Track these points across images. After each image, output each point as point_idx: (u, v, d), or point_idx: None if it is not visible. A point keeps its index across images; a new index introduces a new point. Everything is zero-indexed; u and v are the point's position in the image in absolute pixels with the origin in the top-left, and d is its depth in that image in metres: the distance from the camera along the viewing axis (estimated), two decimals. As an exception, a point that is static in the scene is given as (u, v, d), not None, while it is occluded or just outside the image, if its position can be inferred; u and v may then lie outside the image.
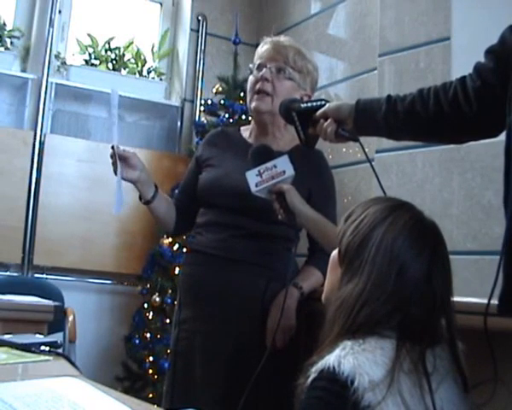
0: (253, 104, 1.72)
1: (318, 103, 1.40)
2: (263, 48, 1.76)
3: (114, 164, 1.64)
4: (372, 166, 1.32)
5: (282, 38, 1.77)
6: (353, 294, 1.00)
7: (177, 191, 1.92)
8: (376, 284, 0.99)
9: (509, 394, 1.08)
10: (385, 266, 1.00)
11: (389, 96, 1.27)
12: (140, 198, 1.74)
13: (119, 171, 1.62)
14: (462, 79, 1.19)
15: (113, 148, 1.62)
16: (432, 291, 1.00)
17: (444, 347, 1.01)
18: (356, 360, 0.92)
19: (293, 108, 1.45)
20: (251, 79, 1.75)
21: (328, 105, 1.37)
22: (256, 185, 1.51)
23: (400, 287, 0.99)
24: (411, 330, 0.98)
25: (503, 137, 1.14)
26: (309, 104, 1.43)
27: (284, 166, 1.51)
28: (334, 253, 1.11)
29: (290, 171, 1.51)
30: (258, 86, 1.71)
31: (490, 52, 1.15)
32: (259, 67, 1.73)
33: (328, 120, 1.35)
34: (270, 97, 1.69)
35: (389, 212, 1.04)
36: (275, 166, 1.51)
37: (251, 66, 1.78)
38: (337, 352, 0.95)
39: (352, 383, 0.90)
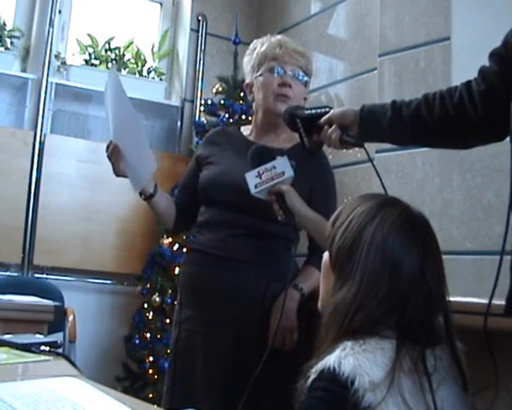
0: (275, 107, 1.71)
1: (322, 110, 1.39)
2: (275, 50, 1.74)
3: (116, 161, 1.66)
4: (375, 167, 1.31)
5: (286, 39, 1.80)
6: (347, 299, 0.99)
7: (176, 190, 1.93)
8: (370, 285, 0.98)
9: (511, 399, 1.07)
10: (377, 266, 0.99)
11: (394, 102, 1.26)
12: (140, 194, 1.74)
13: (132, 153, 1.65)
14: (468, 83, 1.18)
15: (110, 144, 1.66)
16: (426, 283, 1.00)
17: (444, 347, 1.01)
18: (356, 360, 0.92)
19: (298, 115, 1.44)
20: (269, 80, 1.73)
21: (332, 111, 1.37)
22: (255, 187, 1.51)
23: (395, 284, 0.98)
24: (410, 328, 0.97)
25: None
26: (313, 111, 1.43)
27: (283, 167, 1.51)
28: (326, 258, 1.10)
29: (289, 172, 1.51)
30: (282, 91, 1.71)
31: (493, 55, 1.14)
32: (274, 70, 1.73)
33: (333, 127, 1.34)
34: (290, 101, 1.71)
35: (377, 210, 1.04)
36: (274, 168, 1.51)
37: (262, 68, 1.76)
38: (337, 352, 0.94)
39: (353, 383, 0.90)
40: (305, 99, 1.81)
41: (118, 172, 1.70)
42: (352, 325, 0.97)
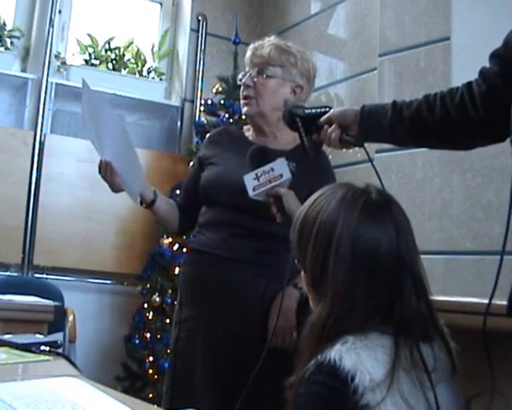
0: (243, 110, 1.78)
1: (322, 109, 1.39)
2: (246, 55, 1.81)
3: (110, 177, 1.65)
4: (374, 167, 1.31)
5: (266, 39, 1.78)
6: (321, 316, 0.98)
7: (180, 191, 1.93)
8: (344, 298, 0.96)
9: (506, 403, 1.07)
10: (349, 276, 0.97)
11: (395, 102, 1.26)
12: (141, 203, 1.75)
13: (119, 173, 1.63)
14: (468, 84, 1.18)
15: (102, 164, 1.64)
16: (405, 270, 0.98)
17: (441, 347, 1.00)
18: (358, 356, 0.90)
19: (297, 114, 1.44)
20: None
21: (332, 111, 1.36)
22: (254, 189, 1.52)
23: (374, 282, 0.97)
24: (402, 322, 0.95)
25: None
26: (313, 110, 1.42)
27: (281, 169, 1.51)
28: (303, 275, 1.09)
29: (287, 174, 1.51)
30: (243, 93, 1.76)
31: (494, 56, 1.14)
32: (245, 74, 1.78)
33: (333, 126, 1.34)
34: (254, 100, 1.73)
35: (337, 214, 1.01)
36: (272, 170, 1.51)
37: (241, 74, 1.82)
38: (338, 346, 0.92)
39: (353, 379, 0.88)
40: (295, 92, 1.75)
41: (116, 189, 1.69)
42: (328, 339, 0.95)
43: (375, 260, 0.98)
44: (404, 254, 0.99)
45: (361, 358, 0.90)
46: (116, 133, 1.63)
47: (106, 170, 1.65)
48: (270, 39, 1.78)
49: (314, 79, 1.83)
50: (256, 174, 1.52)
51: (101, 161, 1.66)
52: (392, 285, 0.98)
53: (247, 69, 1.78)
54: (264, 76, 1.72)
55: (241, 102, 1.77)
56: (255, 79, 1.73)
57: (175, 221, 1.85)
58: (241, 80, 1.79)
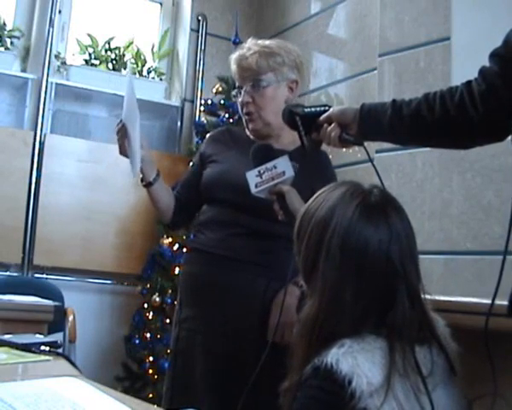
0: (249, 127, 1.77)
1: (322, 108, 1.39)
2: (232, 69, 1.79)
3: (122, 138, 1.66)
4: (375, 166, 1.31)
5: (245, 47, 1.76)
6: (310, 315, 0.98)
7: (178, 185, 1.92)
8: (332, 296, 0.96)
9: (506, 401, 1.07)
10: (338, 275, 0.96)
11: (394, 101, 1.26)
12: (142, 180, 1.75)
13: (133, 139, 1.65)
14: (468, 83, 1.18)
15: (121, 121, 1.66)
16: (396, 273, 0.96)
17: (439, 352, 0.99)
18: (355, 359, 0.90)
19: (297, 113, 1.44)
20: (239, 105, 1.79)
21: (332, 109, 1.36)
22: (256, 186, 1.51)
23: (364, 284, 0.96)
24: (397, 325, 0.94)
25: (504, 137, 1.14)
26: (312, 109, 1.42)
27: (284, 166, 1.51)
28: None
29: (290, 172, 1.51)
30: (244, 110, 1.75)
31: (494, 55, 1.14)
32: (239, 90, 1.77)
33: (332, 125, 1.34)
34: (256, 114, 1.73)
35: (332, 212, 1.01)
36: (275, 167, 1.51)
37: (234, 91, 1.81)
38: (334, 350, 0.91)
39: (350, 383, 0.87)
40: (291, 88, 1.75)
41: (123, 152, 1.70)
42: (320, 338, 0.95)
43: (364, 259, 0.97)
44: (395, 258, 0.97)
45: (358, 361, 0.90)
46: (135, 122, 1.66)
47: (120, 129, 1.66)
48: (250, 46, 1.75)
49: (303, 66, 1.81)
50: (259, 171, 1.51)
51: (121, 120, 1.68)
52: (384, 289, 0.97)
53: (237, 84, 1.77)
54: (260, 89, 1.71)
55: (244, 118, 1.76)
56: (252, 95, 1.72)
57: (169, 212, 1.83)
58: (235, 96, 1.78)
